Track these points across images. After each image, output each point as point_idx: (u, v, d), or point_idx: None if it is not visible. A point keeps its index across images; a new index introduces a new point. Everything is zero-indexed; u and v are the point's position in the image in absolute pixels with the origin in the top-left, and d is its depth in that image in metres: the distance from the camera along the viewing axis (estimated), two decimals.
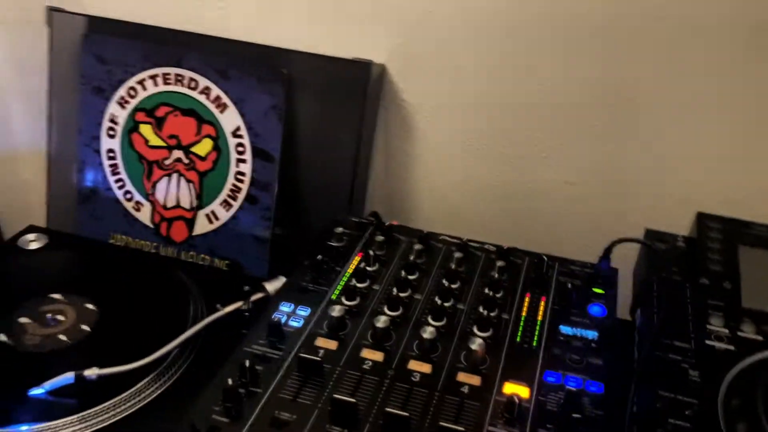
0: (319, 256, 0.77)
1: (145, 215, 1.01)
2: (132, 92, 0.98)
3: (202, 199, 0.98)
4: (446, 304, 0.72)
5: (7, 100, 1.13)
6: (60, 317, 0.83)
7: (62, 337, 0.81)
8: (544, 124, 0.91)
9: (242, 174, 0.96)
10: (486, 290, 0.74)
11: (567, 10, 0.84)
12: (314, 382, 0.62)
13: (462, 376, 0.63)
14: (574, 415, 0.59)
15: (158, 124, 0.98)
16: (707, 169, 0.88)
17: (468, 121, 0.94)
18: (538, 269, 0.77)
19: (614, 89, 0.87)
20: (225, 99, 0.94)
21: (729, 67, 0.82)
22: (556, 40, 0.86)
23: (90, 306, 0.85)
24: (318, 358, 0.63)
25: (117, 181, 1.01)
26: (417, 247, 0.79)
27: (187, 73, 0.95)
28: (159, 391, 0.75)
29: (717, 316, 0.70)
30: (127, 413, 0.72)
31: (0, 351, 0.79)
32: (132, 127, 0.99)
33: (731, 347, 0.66)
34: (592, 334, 0.69)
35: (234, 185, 0.96)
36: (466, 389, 0.62)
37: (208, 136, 0.96)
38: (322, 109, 0.94)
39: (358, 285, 0.74)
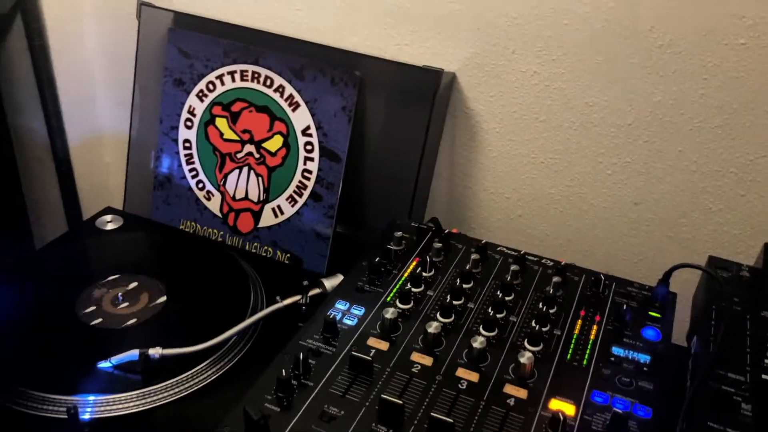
0: (377, 259, 0.79)
1: (214, 205, 1.05)
2: (211, 86, 1.02)
3: (270, 193, 1.02)
4: (499, 316, 0.72)
5: (95, 86, 1.20)
6: (130, 296, 0.88)
7: (131, 316, 0.85)
8: (612, 141, 0.90)
9: (309, 172, 0.98)
10: (540, 305, 0.74)
11: (639, 33, 0.83)
12: (363, 381, 0.64)
13: (509, 388, 0.64)
14: None
15: (233, 118, 1.02)
16: None
17: (535, 135, 0.94)
18: (594, 287, 0.77)
19: (685, 114, 0.85)
20: (298, 98, 0.97)
21: None
22: (632, 59, 0.85)
23: (158, 288, 0.90)
24: (369, 358, 0.65)
25: (191, 170, 1.06)
26: (474, 256, 0.80)
27: (264, 71, 0.99)
28: (215, 376, 0.78)
29: None
30: (183, 394, 0.76)
31: (74, 325, 0.84)
32: (208, 119, 1.03)
33: None
34: (644, 358, 0.68)
35: (300, 182, 0.99)
36: (511, 401, 0.63)
37: (280, 133, 0.99)
38: (390, 114, 0.96)
39: (414, 289, 0.76)
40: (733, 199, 0.87)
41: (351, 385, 0.64)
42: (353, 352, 0.65)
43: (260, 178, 1.02)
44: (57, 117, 1.20)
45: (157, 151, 1.07)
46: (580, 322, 0.73)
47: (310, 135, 0.98)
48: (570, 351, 0.69)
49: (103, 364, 0.77)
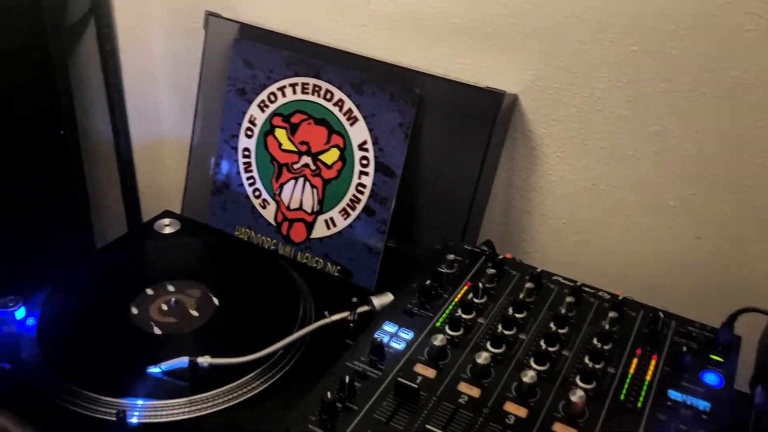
0: (428, 281, 0.78)
1: (269, 213, 1.06)
2: (272, 97, 1.03)
3: (323, 205, 1.02)
4: (551, 349, 0.71)
5: (161, 91, 1.23)
6: (182, 303, 0.89)
7: (181, 323, 0.86)
8: (676, 172, 0.87)
9: (363, 186, 0.98)
10: (594, 340, 0.72)
11: (711, 62, 0.80)
12: (408, 408, 0.63)
13: (558, 427, 0.62)
14: None
15: (292, 129, 1.02)
16: None
17: (596, 162, 0.91)
18: (652, 325, 0.74)
19: (755, 147, 0.81)
20: (356, 112, 0.97)
21: None
22: (702, 88, 0.82)
23: (210, 295, 0.91)
24: (415, 385, 0.64)
25: (248, 178, 1.07)
26: (528, 285, 0.78)
27: (324, 85, 0.99)
28: (261, 388, 0.78)
29: None
30: (229, 404, 0.76)
31: (126, 328, 0.85)
32: (268, 129, 1.04)
33: None
34: (703, 404, 0.65)
35: (354, 196, 0.99)
36: None
37: (336, 146, 0.99)
38: (449, 133, 0.95)
39: (464, 316, 0.74)
40: None
41: (395, 412, 0.63)
42: (399, 378, 0.64)
43: (315, 190, 1.02)
44: (122, 119, 1.23)
45: (217, 158, 1.09)
46: (636, 360, 0.70)
47: (366, 150, 0.97)
48: (624, 391, 0.66)
49: (153, 370, 0.78)
